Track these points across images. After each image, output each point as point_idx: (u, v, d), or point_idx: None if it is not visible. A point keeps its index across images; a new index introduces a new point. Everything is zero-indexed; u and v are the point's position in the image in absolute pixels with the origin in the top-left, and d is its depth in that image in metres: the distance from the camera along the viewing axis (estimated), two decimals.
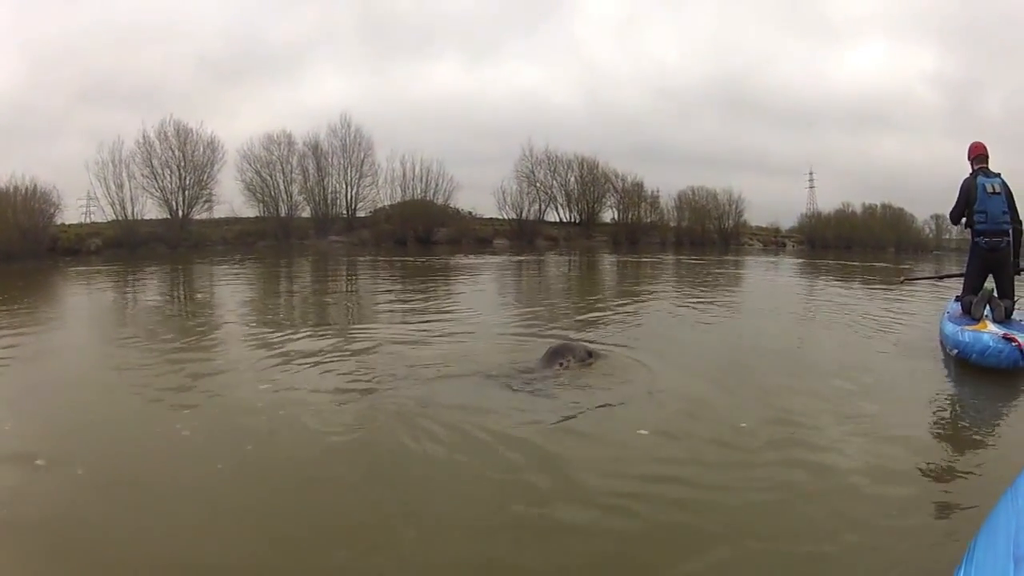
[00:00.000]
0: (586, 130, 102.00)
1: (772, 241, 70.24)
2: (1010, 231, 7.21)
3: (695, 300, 11.92)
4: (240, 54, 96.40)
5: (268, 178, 46.71)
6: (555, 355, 5.67)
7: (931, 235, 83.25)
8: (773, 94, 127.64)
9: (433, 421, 4.20)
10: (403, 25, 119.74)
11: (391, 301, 11.22)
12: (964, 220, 7.36)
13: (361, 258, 26.60)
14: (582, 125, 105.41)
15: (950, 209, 7.57)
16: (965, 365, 6.04)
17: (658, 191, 62.77)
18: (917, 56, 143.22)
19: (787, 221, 78.79)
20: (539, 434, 4.09)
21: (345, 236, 45.90)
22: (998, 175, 7.21)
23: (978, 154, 7.36)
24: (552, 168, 58.17)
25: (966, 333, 6.23)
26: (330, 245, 42.12)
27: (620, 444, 3.98)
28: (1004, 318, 6.82)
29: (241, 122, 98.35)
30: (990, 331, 6.07)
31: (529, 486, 3.40)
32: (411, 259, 24.99)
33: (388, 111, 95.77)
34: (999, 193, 7.08)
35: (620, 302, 11.28)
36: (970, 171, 7.36)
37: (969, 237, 7.44)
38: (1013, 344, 5.76)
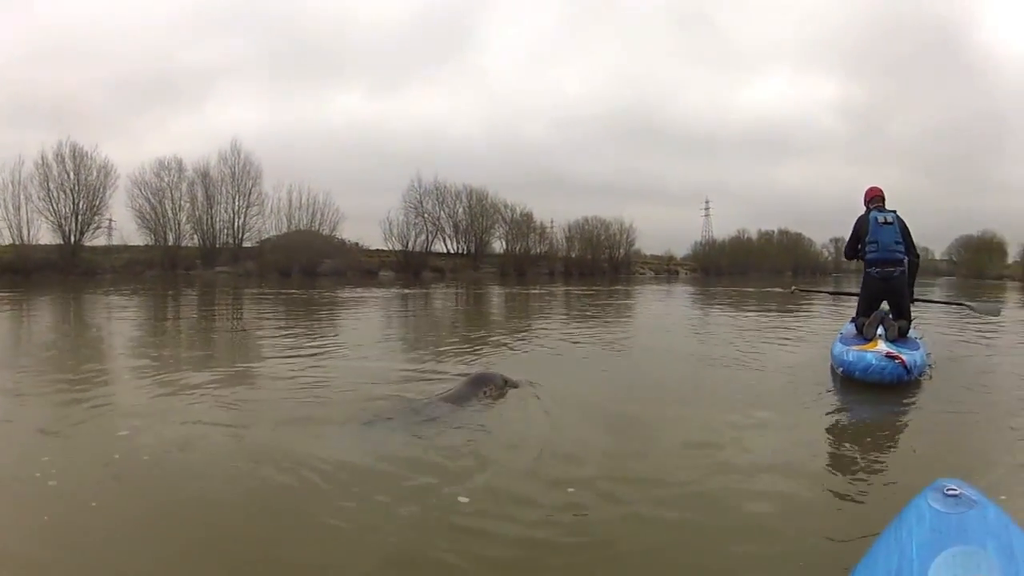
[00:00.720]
0: (486, 161, 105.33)
1: (665, 269, 72.78)
2: (904, 261, 7.67)
3: (583, 332, 12.02)
4: (154, 78, 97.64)
5: (157, 205, 46.94)
6: (478, 383, 5.85)
7: (830, 258, 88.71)
8: (674, 125, 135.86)
9: (316, 458, 4.08)
10: (312, 54, 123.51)
11: (276, 336, 11.15)
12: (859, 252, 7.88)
13: (247, 290, 26.74)
14: (482, 156, 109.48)
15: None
16: (858, 384, 6.40)
17: (552, 222, 64.63)
18: (822, 85, 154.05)
19: (683, 249, 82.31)
20: (439, 456, 4.14)
21: (231, 267, 45.99)
22: (893, 211, 7.71)
23: (874, 196, 7.90)
24: (440, 199, 59.11)
25: (851, 352, 6.68)
26: (216, 276, 42.19)
27: (523, 472, 3.94)
28: (897, 336, 7.21)
29: (149, 147, 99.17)
30: (874, 350, 6.55)
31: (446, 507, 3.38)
32: (296, 292, 25.10)
33: (293, 140, 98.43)
34: (891, 224, 7.57)
35: (509, 336, 11.31)
36: (867, 207, 7.91)
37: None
38: (896, 361, 6.28)
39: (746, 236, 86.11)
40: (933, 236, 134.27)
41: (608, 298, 24.79)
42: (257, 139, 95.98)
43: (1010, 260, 75.21)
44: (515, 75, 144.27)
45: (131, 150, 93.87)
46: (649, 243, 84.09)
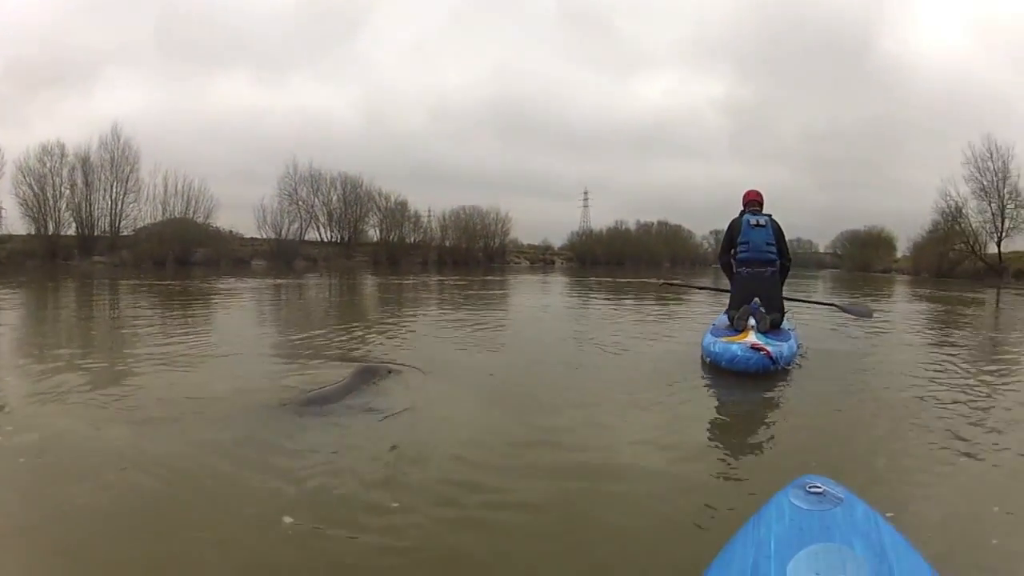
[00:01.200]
0: (368, 151, 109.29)
1: (540, 259, 74.87)
2: (776, 263, 8.07)
3: (458, 321, 12.18)
4: (45, 61, 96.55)
5: (39, 192, 45.73)
6: (364, 374, 6.13)
7: (710, 250, 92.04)
8: (559, 120, 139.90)
9: (181, 458, 4.08)
10: (199, 39, 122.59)
11: (150, 331, 10.65)
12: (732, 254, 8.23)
13: (124, 281, 26.09)
14: (365, 146, 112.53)
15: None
16: (727, 374, 6.74)
17: (430, 211, 66.30)
18: (710, 85, 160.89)
19: (561, 240, 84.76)
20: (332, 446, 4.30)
21: (107, 257, 45.03)
22: (768, 215, 8.12)
23: (750, 200, 8.32)
24: (315, 186, 59.40)
25: (718, 344, 7.06)
26: (93, 267, 41.20)
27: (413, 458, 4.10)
28: (769, 329, 7.54)
29: (40, 132, 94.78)
30: (740, 341, 6.93)
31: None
32: (170, 283, 24.77)
33: (178, 126, 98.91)
34: (764, 226, 7.97)
35: (385, 326, 11.37)
36: (741, 211, 8.32)
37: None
38: (761, 352, 6.66)
39: (624, 227, 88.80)
40: (817, 230, 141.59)
41: (482, 288, 25.25)
42: (142, 124, 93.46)
43: (899, 255, 79.23)
44: (400, 66, 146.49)
45: (21, 136, 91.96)
46: (528, 234, 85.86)
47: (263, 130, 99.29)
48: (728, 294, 8.61)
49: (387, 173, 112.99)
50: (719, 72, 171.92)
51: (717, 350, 7.02)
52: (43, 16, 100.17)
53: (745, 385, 6.45)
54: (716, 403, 6.06)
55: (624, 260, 77.32)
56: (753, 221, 8.05)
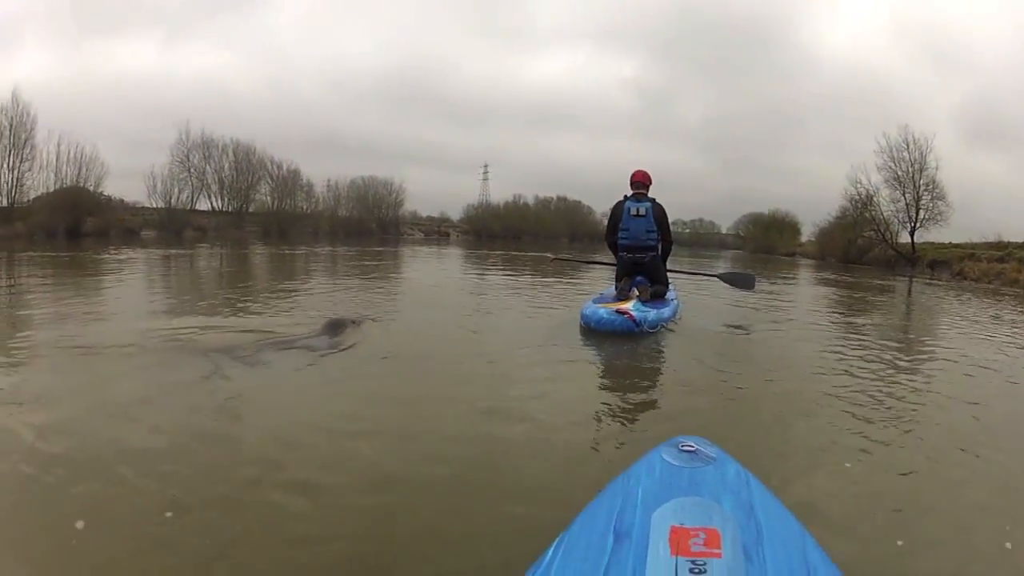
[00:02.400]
0: (267, 119, 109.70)
1: (435, 231, 75.86)
2: (656, 247, 8.95)
3: (357, 295, 11.95)
4: None
5: None
6: (336, 325, 7.22)
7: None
8: (459, 93, 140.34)
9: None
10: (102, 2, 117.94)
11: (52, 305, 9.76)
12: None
13: (25, 253, 24.73)
14: (261, 114, 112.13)
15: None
16: (603, 338, 7.56)
17: (329, 181, 66.06)
18: (618, 63, 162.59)
19: (459, 213, 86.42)
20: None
21: (4, 228, 42.70)
22: (649, 201, 8.86)
23: (635, 181, 8.98)
24: (207, 153, 58.63)
25: (590, 308, 8.08)
26: None
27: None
28: (649, 298, 8.68)
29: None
30: (611, 307, 7.93)
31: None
32: (65, 254, 24.25)
33: (74, 91, 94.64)
34: (644, 216, 8.77)
35: (282, 298, 11.18)
36: (625, 195, 8.96)
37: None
38: (624, 316, 7.67)
39: (522, 201, 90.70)
40: (719, 212, 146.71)
41: (377, 259, 25.77)
42: (38, 89, 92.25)
43: (804, 239, 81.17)
44: (301, 34, 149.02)
45: None
46: (425, 205, 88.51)
47: (163, 97, 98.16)
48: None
49: (283, 142, 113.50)
50: (630, 53, 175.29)
51: (588, 313, 8.05)
52: None
53: (616, 346, 7.31)
54: (589, 366, 6.73)
55: (522, 235, 78.87)
56: (633, 211, 8.91)
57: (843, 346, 8.35)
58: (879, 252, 53.21)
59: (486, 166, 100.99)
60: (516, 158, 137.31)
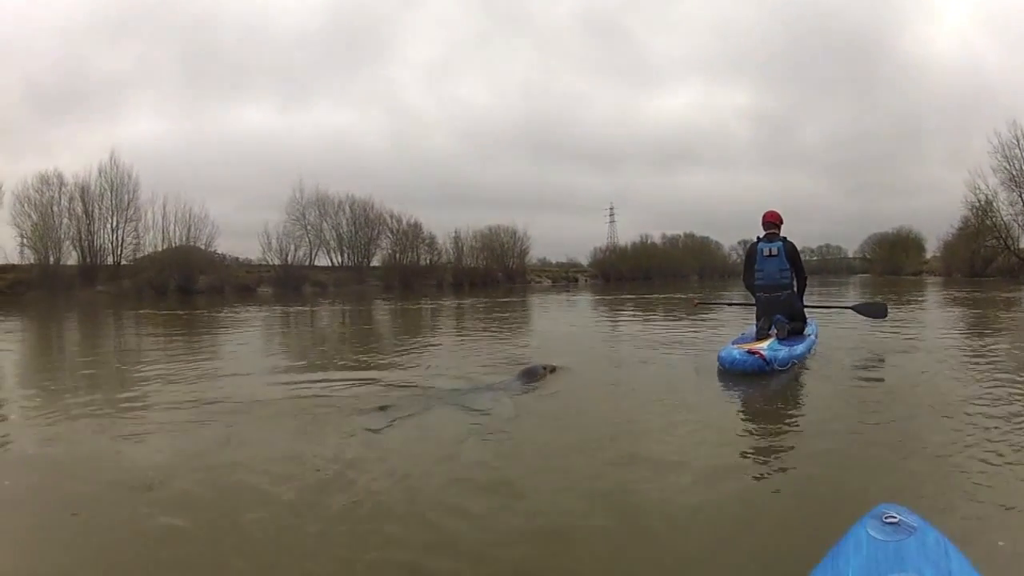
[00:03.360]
0: (393, 174, 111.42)
1: (563, 277, 75.37)
2: (791, 285, 9.48)
3: (491, 346, 12.06)
4: (66, 87, 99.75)
5: (39, 221, 47.79)
6: (531, 372, 7.95)
7: (738, 259, 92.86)
8: (582, 135, 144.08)
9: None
10: (222, 64, 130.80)
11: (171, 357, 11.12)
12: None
13: (132, 311, 26.59)
14: (390, 169, 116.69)
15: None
16: (738, 375, 7.94)
17: (456, 232, 67.12)
18: (734, 94, 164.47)
19: (586, 257, 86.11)
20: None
21: (109, 286, 46.17)
22: (780, 240, 9.40)
23: (766, 222, 9.57)
24: (322, 209, 60.17)
25: (724, 349, 8.48)
26: (96, 296, 42.57)
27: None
28: (785, 336, 9.00)
29: (64, 161, 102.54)
30: (743, 348, 8.33)
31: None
32: (184, 312, 25.34)
33: (200, 152, 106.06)
34: (776, 255, 9.31)
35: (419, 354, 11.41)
36: (758, 237, 9.59)
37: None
38: (755, 356, 7.99)
39: (649, 241, 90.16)
40: (845, 236, 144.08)
41: (506, 310, 25.20)
42: (166, 151, 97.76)
43: (929, 255, 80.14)
44: (426, 87, 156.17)
45: (44, 163, 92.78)
46: (555, 251, 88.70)
47: (287, 156, 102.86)
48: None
49: (409, 195, 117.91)
50: (742, 81, 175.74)
51: (723, 355, 8.32)
52: (63, 41, 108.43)
53: (751, 385, 7.53)
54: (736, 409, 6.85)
55: (651, 275, 77.96)
56: (766, 251, 9.43)
57: (986, 375, 8.02)
58: (1003, 261, 51.96)
59: (611, 207, 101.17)
60: (641, 198, 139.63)
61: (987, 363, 9.01)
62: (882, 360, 9.56)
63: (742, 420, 6.32)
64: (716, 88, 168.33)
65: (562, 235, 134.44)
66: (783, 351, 8.41)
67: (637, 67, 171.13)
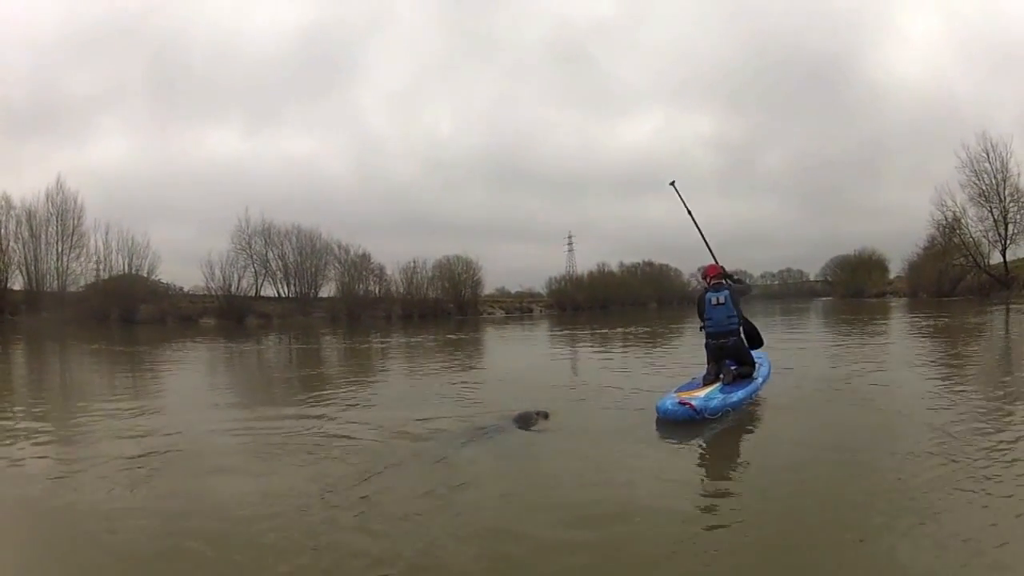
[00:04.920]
0: (356, 203, 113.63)
1: (517, 308, 75.52)
2: (739, 330, 10.33)
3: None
4: (33, 104, 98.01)
5: None
6: (526, 418, 8.69)
7: (699, 286, 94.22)
8: (545, 163, 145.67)
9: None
10: (189, 85, 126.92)
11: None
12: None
13: (82, 343, 27.24)
14: (353, 197, 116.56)
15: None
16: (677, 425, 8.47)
17: (415, 261, 67.23)
18: (696, 122, 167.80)
19: (544, 287, 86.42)
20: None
21: (53, 313, 46.60)
22: (726, 290, 10.35)
23: (710, 275, 10.64)
24: (267, 239, 60.46)
25: (661, 399, 9.08)
26: (40, 323, 43.36)
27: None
28: (731, 381, 9.83)
29: (30, 180, 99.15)
30: (676, 396, 8.98)
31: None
32: (129, 348, 25.69)
33: (166, 174, 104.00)
34: (723, 304, 10.20)
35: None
36: (705, 287, 10.67)
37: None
38: (685, 406, 8.57)
39: (607, 269, 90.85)
40: (806, 259, 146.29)
41: (456, 349, 24.87)
42: (127, 173, 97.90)
43: (893, 276, 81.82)
44: (390, 114, 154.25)
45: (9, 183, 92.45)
46: (517, 279, 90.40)
47: (250, 181, 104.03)
48: None
49: (374, 223, 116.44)
50: (706, 109, 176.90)
51: (658, 405, 8.95)
52: (31, 58, 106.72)
53: (680, 436, 8.05)
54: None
55: (608, 304, 78.84)
56: (714, 300, 10.33)
57: (948, 410, 8.54)
58: (972, 278, 52.59)
59: (570, 236, 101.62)
60: (602, 226, 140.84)
61: (948, 396, 9.69)
62: (828, 398, 10.26)
63: (667, 472, 6.74)
64: (680, 115, 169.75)
65: (523, 264, 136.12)
66: (716, 400, 9.05)
67: (602, 95, 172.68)
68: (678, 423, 8.53)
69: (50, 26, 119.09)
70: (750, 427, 8.68)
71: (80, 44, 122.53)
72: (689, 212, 11.75)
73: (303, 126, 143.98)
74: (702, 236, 11.59)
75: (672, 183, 12.13)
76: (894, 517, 4.77)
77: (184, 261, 79.68)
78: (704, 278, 10.94)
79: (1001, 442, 6.66)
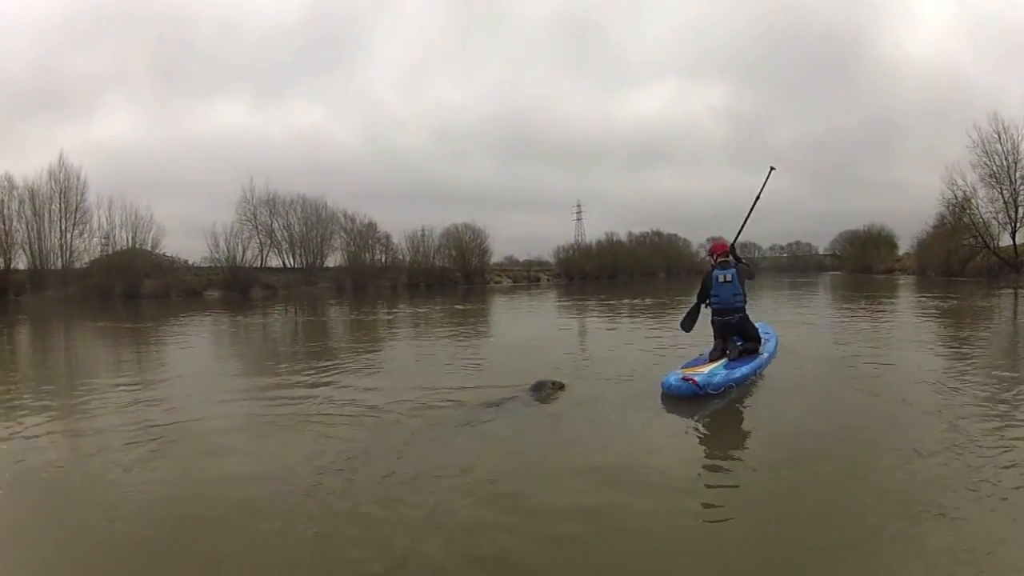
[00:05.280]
0: (367, 172, 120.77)
1: (524, 276, 75.66)
2: (743, 308, 10.64)
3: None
4: (38, 84, 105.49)
5: None
6: (541, 385, 9.30)
7: (708, 258, 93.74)
8: (556, 134, 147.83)
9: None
10: (195, 60, 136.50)
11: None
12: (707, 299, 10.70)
13: (84, 321, 27.16)
14: (364, 166, 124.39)
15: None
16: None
17: (423, 229, 67.84)
18: (709, 94, 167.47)
19: (552, 255, 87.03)
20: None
21: (58, 291, 46.42)
22: (733, 267, 10.59)
23: (718, 251, 10.79)
24: (272, 209, 60.40)
25: (667, 375, 9.32)
26: (45, 301, 43.36)
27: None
28: (737, 356, 10.24)
29: (35, 160, 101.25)
30: (681, 373, 9.25)
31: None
32: (132, 324, 25.54)
33: (172, 149, 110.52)
34: (731, 282, 10.47)
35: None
36: (712, 264, 10.81)
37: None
38: (688, 382, 8.89)
39: (616, 239, 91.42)
40: (815, 232, 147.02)
41: (464, 319, 24.70)
42: (134, 148, 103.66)
43: (902, 252, 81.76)
44: (400, 86, 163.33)
45: (13, 164, 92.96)
46: (526, 248, 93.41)
47: (259, 154, 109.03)
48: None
49: (384, 193, 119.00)
50: (718, 81, 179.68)
51: (663, 381, 9.24)
52: (37, 37, 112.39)
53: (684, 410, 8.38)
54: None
55: (616, 273, 79.38)
56: (721, 278, 10.60)
57: (951, 402, 8.32)
58: (981, 260, 51.99)
59: (579, 205, 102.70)
60: (612, 196, 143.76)
61: (952, 384, 9.42)
62: (833, 378, 10.43)
63: (661, 447, 6.95)
64: (691, 87, 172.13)
65: (533, 233, 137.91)
66: (719, 376, 9.36)
67: (613, 66, 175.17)
68: (682, 398, 8.83)
69: (55, 5, 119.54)
70: (750, 405, 8.81)
71: (85, 22, 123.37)
72: (757, 198, 11.70)
73: (311, 99, 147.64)
74: (745, 220, 11.58)
75: (772, 168, 12.06)
76: (895, 518, 4.69)
77: (191, 234, 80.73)
78: (711, 254, 11.13)
79: (1012, 438, 6.51)
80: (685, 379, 9.06)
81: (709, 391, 9.01)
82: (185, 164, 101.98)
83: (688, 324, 11.27)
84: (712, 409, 8.41)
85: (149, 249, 52.23)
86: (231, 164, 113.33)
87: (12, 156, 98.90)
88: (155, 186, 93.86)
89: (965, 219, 53.54)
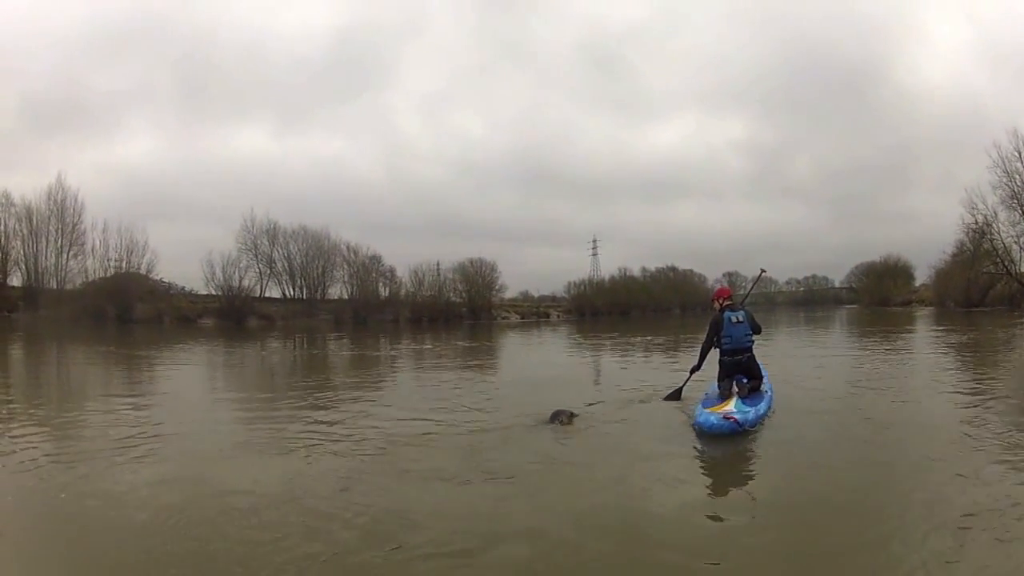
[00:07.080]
0: (385, 204, 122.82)
1: (533, 313, 75.07)
2: (752, 348, 11.25)
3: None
4: (62, 102, 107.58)
5: None
6: (558, 414, 10.16)
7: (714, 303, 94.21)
8: (575, 167, 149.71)
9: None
10: (219, 84, 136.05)
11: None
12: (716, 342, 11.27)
13: (74, 344, 27.78)
14: (382, 197, 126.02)
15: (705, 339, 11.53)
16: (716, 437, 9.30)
17: (438, 264, 68.37)
18: (727, 127, 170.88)
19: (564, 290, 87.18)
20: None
21: (50, 311, 47.62)
22: (741, 309, 11.41)
23: (724, 298, 11.58)
24: (272, 239, 61.28)
25: (700, 414, 9.89)
26: (38, 320, 44.46)
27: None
28: (747, 394, 10.64)
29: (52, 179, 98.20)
30: (719, 411, 9.74)
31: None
32: (128, 350, 26.16)
33: (191, 173, 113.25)
34: (742, 322, 11.15)
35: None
36: (718, 308, 11.44)
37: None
38: (729, 420, 9.40)
39: (629, 274, 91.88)
40: (831, 265, 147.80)
41: (471, 358, 24.23)
42: (155, 172, 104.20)
43: (918, 283, 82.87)
44: (422, 116, 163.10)
45: (36, 179, 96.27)
46: (541, 283, 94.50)
47: (280, 182, 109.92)
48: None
49: (402, 225, 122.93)
50: (737, 114, 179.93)
51: (700, 421, 9.77)
52: (61, 56, 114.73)
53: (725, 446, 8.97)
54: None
55: (629, 310, 79.30)
56: (733, 319, 11.23)
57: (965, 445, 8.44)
58: (1003, 287, 52.62)
59: (594, 240, 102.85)
60: (629, 230, 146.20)
61: (969, 426, 9.43)
62: (835, 420, 10.69)
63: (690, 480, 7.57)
64: (711, 120, 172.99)
65: (550, 268, 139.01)
66: (751, 412, 9.96)
67: (634, 98, 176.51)
68: (723, 436, 9.32)
69: (78, 23, 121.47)
70: (774, 438, 9.44)
71: (110, 44, 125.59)
72: (751, 290, 13.13)
73: (333, 128, 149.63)
74: (745, 296, 12.55)
75: (762, 271, 13.68)
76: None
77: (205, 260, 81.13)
78: (716, 299, 11.84)
79: None
80: (726, 417, 9.55)
81: (747, 427, 9.58)
82: (202, 188, 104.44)
83: (697, 366, 11.72)
84: (737, 442, 9.08)
85: (143, 273, 53.27)
86: (249, 191, 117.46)
87: (34, 170, 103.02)
88: (172, 209, 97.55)
89: (985, 245, 54.05)
